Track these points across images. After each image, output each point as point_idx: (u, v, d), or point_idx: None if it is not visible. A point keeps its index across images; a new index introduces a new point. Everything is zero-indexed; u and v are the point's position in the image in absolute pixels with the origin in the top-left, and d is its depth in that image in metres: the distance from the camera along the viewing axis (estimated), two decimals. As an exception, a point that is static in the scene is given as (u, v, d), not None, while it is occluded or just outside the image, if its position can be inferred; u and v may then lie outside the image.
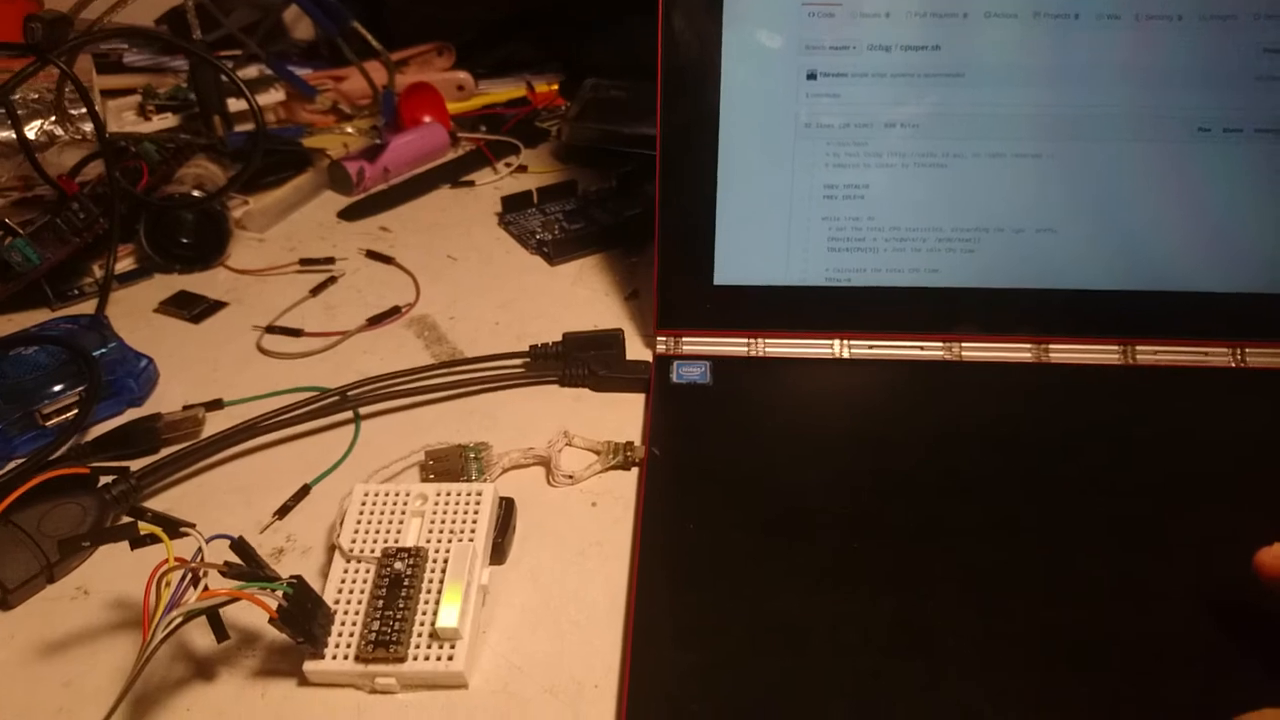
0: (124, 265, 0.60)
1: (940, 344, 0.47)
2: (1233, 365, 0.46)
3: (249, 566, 0.32)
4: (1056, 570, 0.36)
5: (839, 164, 0.46)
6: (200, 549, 0.31)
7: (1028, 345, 0.47)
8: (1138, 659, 0.33)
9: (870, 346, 0.48)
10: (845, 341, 0.48)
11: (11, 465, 0.42)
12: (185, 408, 0.47)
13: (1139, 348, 0.47)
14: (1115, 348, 0.47)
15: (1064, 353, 0.47)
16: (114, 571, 0.39)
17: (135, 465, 0.42)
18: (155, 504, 0.42)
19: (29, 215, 0.59)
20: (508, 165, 0.72)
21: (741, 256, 0.48)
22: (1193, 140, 0.44)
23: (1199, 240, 0.46)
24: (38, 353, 0.48)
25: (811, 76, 0.45)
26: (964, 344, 0.47)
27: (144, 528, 0.31)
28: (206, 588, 0.31)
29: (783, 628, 0.34)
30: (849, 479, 0.41)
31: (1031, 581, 0.36)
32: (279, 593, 0.31)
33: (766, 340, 0.48)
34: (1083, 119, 0.44)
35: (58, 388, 0.46)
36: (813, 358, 0.48)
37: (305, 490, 0.42)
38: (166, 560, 0.31)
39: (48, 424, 0.45)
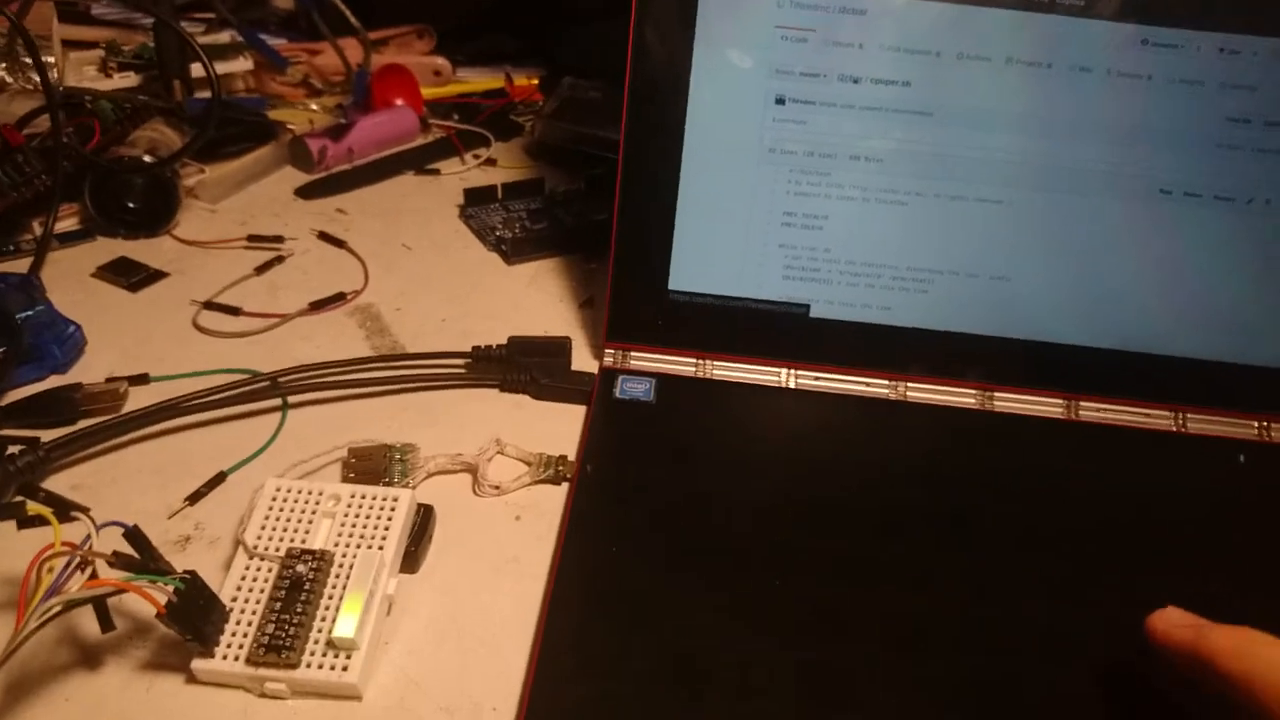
0: (67, 225, 0.58)
1: (887, 382, 0.47)
2: (1173, 429, 0.46)
3: (141, 557, 0.30)
4: (978, 622, 0.36)
5: (800, 192, 0.45)
6: (90, 536, 0.30)
7: (973, 391, 0.47)
8: (1054, 714, 0.33)
9: (816, 378, 0.47)
10: (793, 370, 0.47)
11: (-84, 426, 0.41)
12: (108, 380, 0.45)
13: (1083, 403, 0.47)
14: (1060, 401, 0.47)
15: (1008, 402, 0.47)
16: (5, 548, 0.37)
17: (48, 436, 0.41)
18: (65, 478, 0.40)
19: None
20: (476, 157, 0.71)
21: (698, 274, 0.47)
22: (1154, 201, 0.44)
23: (1152, 300, 0.46)
24: (-41, 309, 0.46)
25: (780, 101, 0.44)
26: (910, 384, 0.47)
27: (32, 508, 0.30)
28: (95, 575, 0.30)
29: (688, 666, 0.33)
30: (781, 512, 0.40)
31: (951, 632, 0.36)
32: (170, 587, 0.30)
33: (715, 362, 0.47)
34: (1047, 169, 0.44)
35: (-26, 348, 0.44)
36: (759, 384, 0.47)
37: (221, 477, 0.41)
38: (52, 544, 0.29)
39: (-41, 385, 0.43)
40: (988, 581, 0.38)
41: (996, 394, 0.47)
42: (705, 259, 0.47)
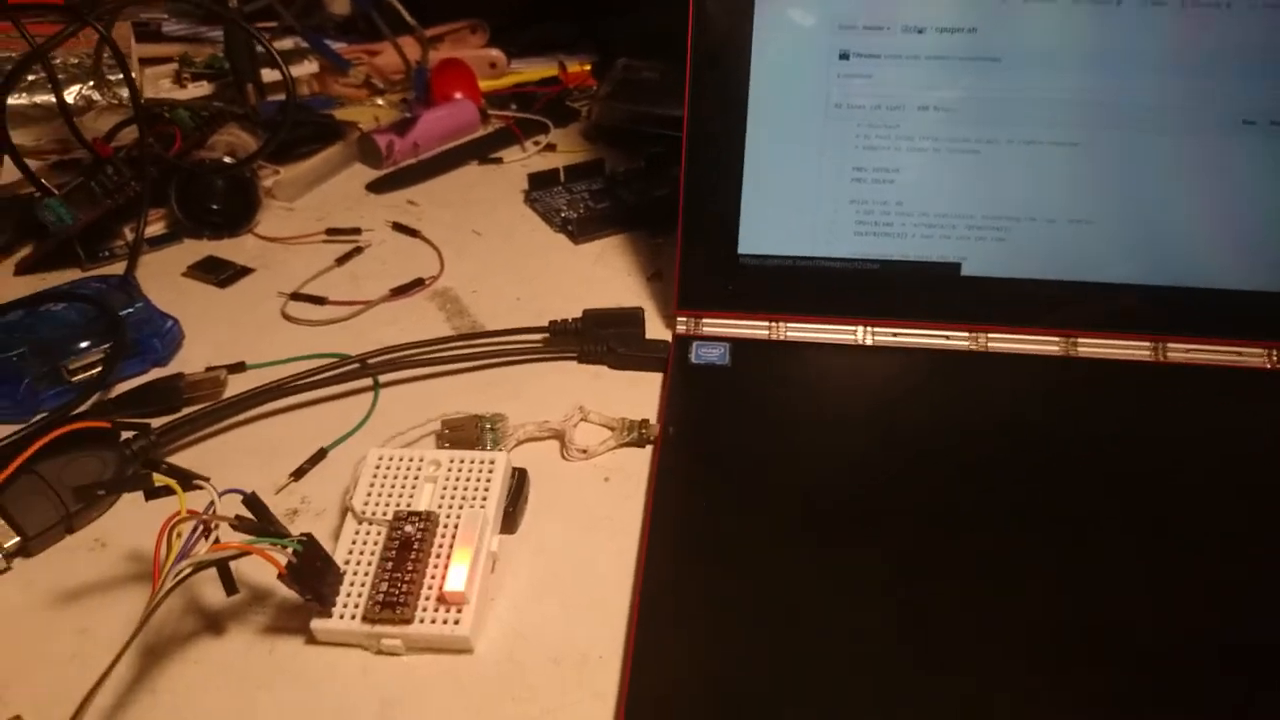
0: (155, 229, 0.61)
1: (966, 334, 0.47)
2: (1268, 367, 0.45)
3: (260, 522, 0.32)
4: (1072, 567, 0.36)
5: (869, 146, 0.45)
6: (213, 502, 0.31)
7: (1056, 339, 0.46)
8: (1156, 660, 0.32)
9: (894, 334, 0.47)
10: (868, 328, 0.47)
11: (38, 419, 0.43)
12: (208, 369, 0.47)
13: (1171, 345, 0.46)
14: (1146, 344, 0.46)
15: (1093, 347, 0.46)
16: (131, 525, 0.39)
17: (157, 423, 0.43)
18: (175, 461, 0.42)
19: (66, 178, 0.60)
20: (536, 144, 0.72)
21: (766, 237, 0.47)
22: (1236, 133, 0.43)
23: (1239, 237, 0.45)
24: (67, 309, 0.49)
25: (844, 56, 0.44)
26: (990, 335, 0.46)
27: (158, 479, 0.32)
28: (218, 540, 0.31)
29: (788, 612, 0.34)
30: (864, 468, 0.40)
31: (1046, 579, 0.35)
32: (289, 549, 0.31)
33: (788, 324, 0.48)
34: (1122, 108, 0.43)
35: (84, 344, 0.46)
36: (834, 343, 0.47)
37: (322, 454, 0.42)
38: (179, 512, 0.31)
39: (73, 380, 0.46)
40: (1081, 529, 0.37)
41: (1080, 340, 0.46)
42: (775, 221, 0.47)
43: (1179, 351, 0.46)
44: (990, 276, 0.46)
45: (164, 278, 0.56)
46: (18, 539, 0.37)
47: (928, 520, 0.38)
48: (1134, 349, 0.46)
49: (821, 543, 0.37)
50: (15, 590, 0.37)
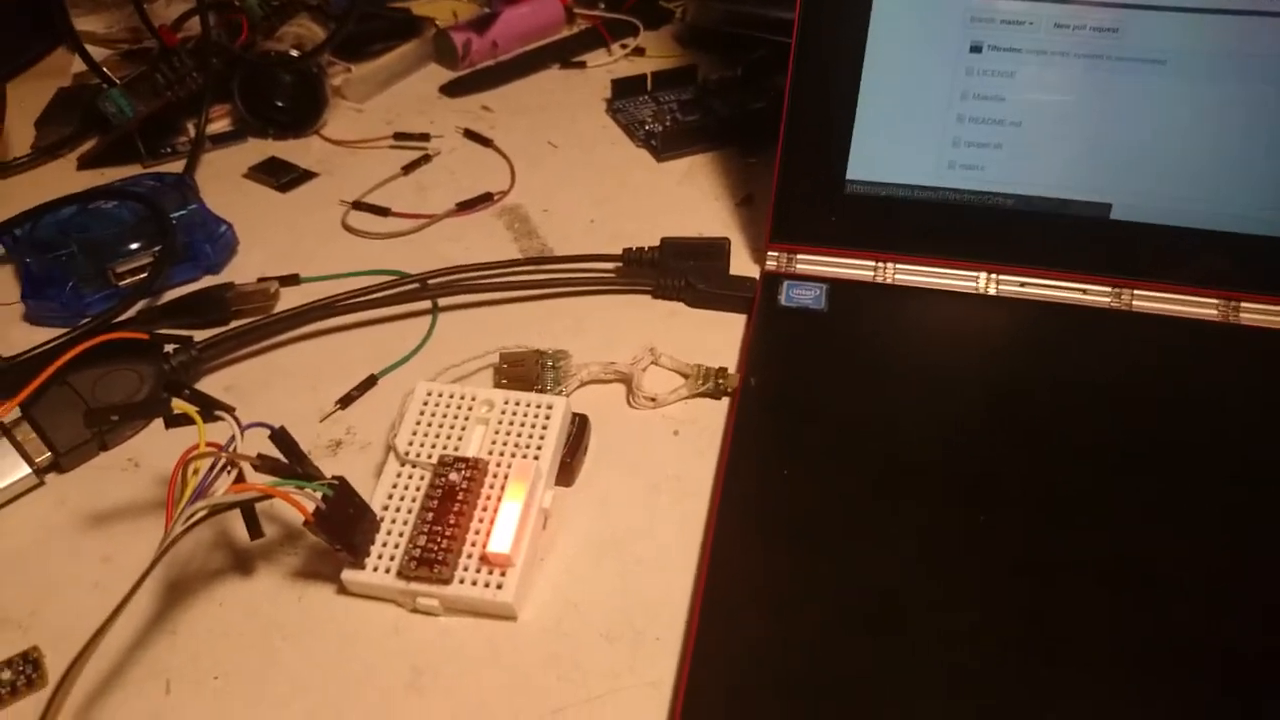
0: (219, 126, 0.58)
1: (1108, 288, 0.40)
2: None
3: (289, 461, 0.28)
4: (1216, 574, 0.30)
5: (1008, 68, 0.38)
6: (235, 437, 0.28)
7: (1215, 300, 0.39)
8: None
9: (1022, 284, 0.40)
10: (993, 275, 0.41)
11: (82, 324, 0.41)
12: (260, 280, 0.44)
13: (1359, 316, 0.38)
14: (1327, 313, 0.38)
15: (1258, 314, 0.39)
16: (166, 445, 0.36)
17: (200, 336, 0.40)
18: (217, 379, 0.40)
19: (135, 69, 0.57)
20: (624, 47, 0.66)
21: (881, 161, 0.41)
22: None
23: None
24: (119, 208, 0.46)
25: (992, -51, 0.37)
26: (1136, 291, 0.40)
27: (178, 406, 0.28)
28: (241, 479, 0.28)
29: (877, 606, 0.29)
30: (974, 440, 0.35)
31: (1187, 584, 0.30)
32: (318, 494, 0.28)
33: (898, 265, 0.41)
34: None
35: (134, 246, 0.44)
36: (952, 290, 0.41)
37: (372, 381, 0.39)
38: (197, 445, 0.28)
39: (121, 284, 0.43)
40: (1233, 528, 0.31)
41: (1244, 304, 0.39)
42: (892, 144, 0.40)
43: (1370, 325, 0.38)
44: (1145, 223, 0.39)
45: (224, 178, 0.53)
46: (49, 454, 0.35)
47: (1042, 507, 0.32)
48: (1313, 319, 0.38)
49: (920, 526, 0.32)
50: (48, 508, 0.35)
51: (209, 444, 0.28)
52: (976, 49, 0.39)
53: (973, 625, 0.29)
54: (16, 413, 0.35)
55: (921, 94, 0.40)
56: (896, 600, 0.29)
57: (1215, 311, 0.39)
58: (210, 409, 0.29)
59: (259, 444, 0.29)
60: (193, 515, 0.26)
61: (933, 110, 0.40)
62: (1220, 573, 0.30)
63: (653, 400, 0.38)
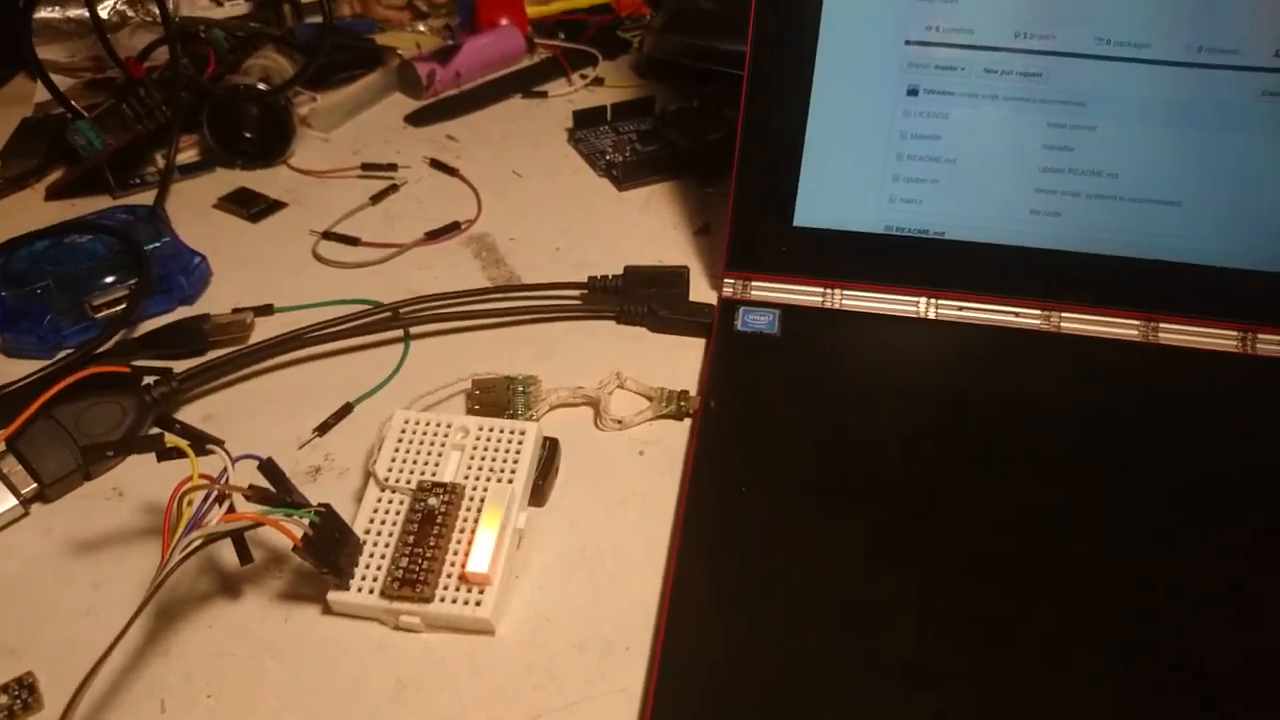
0: (187, 156, 0.59)
1: (1038, 311, 0.43)
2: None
3: (276, 490, 0.30)
4: (1135, 576, 0.33)
5: (944, 105, 0.41)
6: (226, 469, 0.30)
7: (1135, 322, 0.43)
8: (1228, 685, 0.30)
9: (960, 308, 0.43)
10: (932, 300, 0.44)
11: (60, 356, 0.42)
12: (235, 310, 0.46)
13: (1261, 336, 0.42)
14: (1234, 334, 0.42)
15: (1175, 335, 0.42)
16: (150, 475, 0.37)
17: (179, 367, 0.41)
18: (197, 408, 0.41)
19: (99, 98, 0.58)
20: (583, 77, 0.68)
21: (827, 196, 0.44)
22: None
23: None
24: (93, 242, 0.47)
25: None
26: (1064, 314, 0.43)
27: (170, 441, 0.30)
28: (232, 508, 0.30)
29: (833, 608, 0.32)
30: (922, 452, 0.38)
31: (1113, 587, 0.33)
32: (305, 520, 0.29)
33: (845, 291, 0.44)
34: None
35: (109, 279, 0.45)
36: (895, 315, 0.44)
37: (348, 408, 0.41)
38: (190, 477, 0.29)
39: (97, 316, 0.44)
40: (1151, 533, 0.35)
41: (1163, 325, 0.42)
42: (838, 180, 0.43)
43: (1270, 345, 0.42)
44: (1069, 251, 0.43)
45: (194, 208, 0.54)
46: (35, 485, 0.36)
47: (987, 514, 0.35)
48: (1220, 338, 0.42)
49: (871, 534, 0.34)
50: (33, 537, 0.36)
51: (202, 476, 0.29)
52: (913, 92, 0.42)
53: (921, 626, 0.31)
54: (1, 447, 0.36)
55: (863, 133, 0.42)
56: (850, 605, 0.32)
57: (1136, 332, 0.43)
58: (201, 442, 0.30)
59: (247, 474, 0.31)
60: (189, 545, 0.28)
61: (874, 147, 0.43)
62: (1144, 575, 0.33)
63: (619, 423, 0.40)
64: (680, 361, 0.43)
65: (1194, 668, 0.30)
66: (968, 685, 0.30)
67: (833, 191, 0.43)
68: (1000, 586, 0.33)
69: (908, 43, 0.41)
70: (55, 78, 0.58)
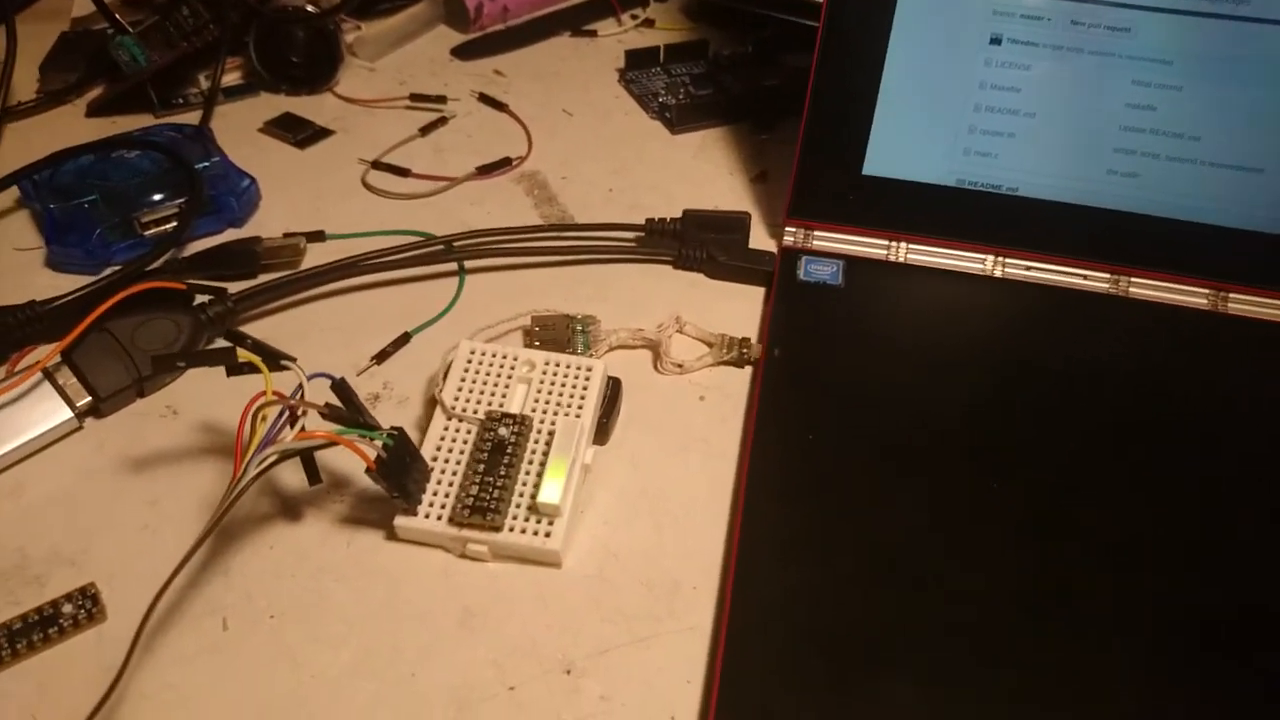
0: (232, 79, 0.57)
1: (1107, 275, 0.42)
2: None
3: (349, 411, 0.30)
4: (1201, 542, 0.33)
5: (1027, 57, 0.40)
6: (301, 386, 0.29)
7: (1205, 290, 0.42)
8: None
9: (1027, 267, 0.43)
10: (1000, 258, 0.43)
11: (108, 272, 0.41)
12: (286, 235, 0.45)
13: (1334, 310, 0.41)
14: (1307, 306, 0.41)
15: (1246, 305, 0.42)
16: (203, 393, 0.37)
17: (233, 288, 0.40)
18: (250, 331, 0.40)
19: (140, 16, 0.57)
20: (634, 17, 0.66)
21: (899, 145, 0.42)
22: None
23: None
24: (140, 158, 0.46)
25: (1019, -54, 0.38)
26: (1133, 278, 0.42)
27: (243, 355, 0.29)
28: (304, 428, 0.29)
29: (899, 560, 0.32)
30: (986, 411, 0.37)
31: (1187, 554, 0.32)
32: (378, 442, 0.29)
33: (911, 245, 0.43)
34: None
35: (158, 196, 0.44)
36: (960, 271, 0.43)
37: (406, 338, 0.40)
38: (264, 393, 0.29)
39: (146, 234, 0.43)
40: (1229, 502, 0.34)
41: (1233, 295, 0.42)
42: (911, 130, 0.42)
43: (1345, 318, 0.41)
44: (1143, 214, 0.42)
45: (239, 132, 0.53)
46: (89, 398, 0.35)
47: (1054, 476, 0.35)
48: (1293, 311, 0.41)
49: (934, 486, 0.34)
50: (88, 451, 0.35)
51: (275, 393, 0.29)
52: (996, 41, 0.41)
53: (981, 579, 0.31)
54: (57, 358, 0.36)
55: (942, 82, 0.41)
56: (916, 559, 0.32)
57: (1205, 301, 0.42)
58: (274, 359, 0.30)
59: (318, 393, 0.30)
60: (264, 460, 0.28)
61: (952, 97, 0.41)
62: (1206, 543, 0.33)
63: (679, 367, 0.39)
64: (738, 309, 0.43)
65: (1261, 635, 0.30)
66: (1029, 646, 0.30)
67: (905, 140, 0.42)
68: (1064, 549, 0.32)
69: (996, 12, 0.39)
70: (93, -6, 0.57)
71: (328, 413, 0.28)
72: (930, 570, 0.31)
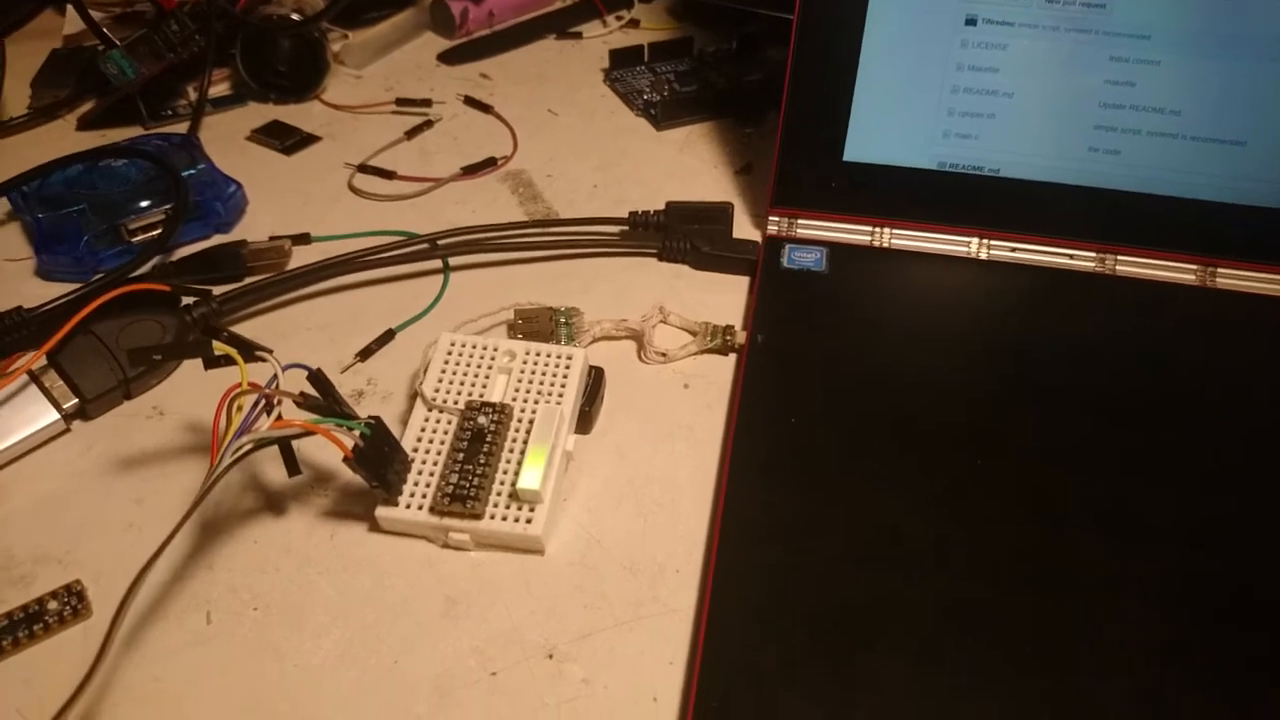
0: (219, 90, 0.58)
1: (1093, 253, 0.42)
2: None
3: (326, 401, 0.30)
4: (1195, 520, 0.32)
5: (1003, 36, 0.40)
6: (276, 376, 0.29)
7: (1193, 266, 0.42)
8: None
9: (1012, 249, 0.42)
10: (985, 240, 0.43)
11: (96, 278, 0.41)
12: (272, 238, 0.45)
13: (1324, 282, 0.41)
14: (1297, 280, 0.41)
15: (1233, 279, 0.41)
16: (190, 394, 0.37)
17: (218, 290, 0.41)
18: (236, 332, 0.41)
19: (128, 32, 0.57)
20: (619, 18, 0.67)
21: (879, 130, 0.42)
22: None
23: None
24: (127, 166, 0.46)
25: (991, -75, 0.38)
26: (1120, 256, 0.42)
27: (219, 347, 0.29)
28: (280, 417, 0.29)
29: (883, 541, 0.31)
30: (970, 391, 0.37)
31: (1171, 528, 0.32)
32: (356, 432, 0.29)
33: (894, 230, 0.43)
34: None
35: (145, 203, 0.44)
36: (945, 254, 0.43)
37: (390, 335, 0.40)
38: (240, 384, 0.29)
39: (133, 240, 0.44)
40: (1210, 478, 0.34)
41: (1221, 269, 0.41)
42: (890, 112, 0.42)
43: (1333, 289, 0.41)
44: (1127, 191, 0.41)
45: (227, 140, 0.54)
46: (76, 400, 0.36)
47: (1039, 454, 0.34)
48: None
49: (919, 470, 0.34)
50: (75, 453, 0.35)
51: (250, 383, 0.29)
52: (971, 21, 0.41)
53: (964, 559, 0.31)
54: (43, 361, 0.36)
55: (919, 65, 0.41)
56: (899, 539, 0.31)
57: (1193, 276, 0.42)
58: (250, 350, 0.30)
59: (295, 385, 0.30)
60: (239, 449, 0.28)
61: (929, 80, 0.41)
62: (1198, 516, 0.32)
63: (663, 355, 0.39)
64: (722, 298, 0.43)
65: (1253, 610, 0.30)
66: (1014, 621, 0.29)
67: (885, 125, 0.42)
68: (1049, 525, 0.32)
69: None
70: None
71: (303, 402, 0.28)
72: (912, 551, 0.31)
